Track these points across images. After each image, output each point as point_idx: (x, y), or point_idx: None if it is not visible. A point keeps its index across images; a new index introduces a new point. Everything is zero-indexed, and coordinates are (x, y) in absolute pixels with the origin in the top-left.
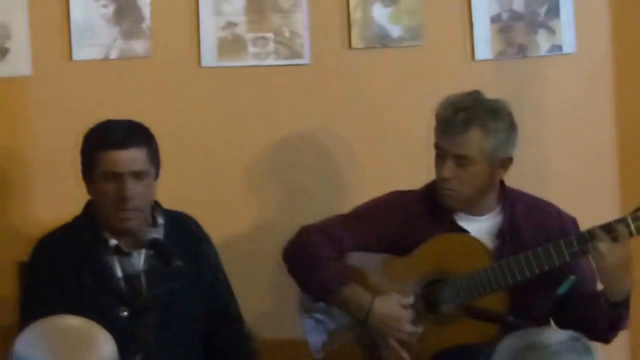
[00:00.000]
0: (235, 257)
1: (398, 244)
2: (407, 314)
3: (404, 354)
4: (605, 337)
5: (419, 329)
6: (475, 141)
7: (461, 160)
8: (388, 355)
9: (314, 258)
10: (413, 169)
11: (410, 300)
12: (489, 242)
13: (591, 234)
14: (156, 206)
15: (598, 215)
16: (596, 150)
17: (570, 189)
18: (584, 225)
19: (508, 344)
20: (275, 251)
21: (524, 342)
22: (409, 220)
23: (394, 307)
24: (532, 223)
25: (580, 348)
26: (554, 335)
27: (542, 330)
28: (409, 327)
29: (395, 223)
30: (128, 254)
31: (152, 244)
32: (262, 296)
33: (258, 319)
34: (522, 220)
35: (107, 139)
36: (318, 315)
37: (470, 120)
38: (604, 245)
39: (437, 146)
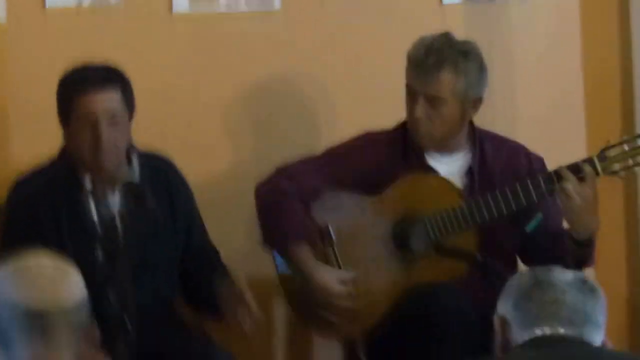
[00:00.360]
0: (211, 198)
1: (370, 183)
2: (342, 290)
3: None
4: None
5: (349, 305)
6: (446, 82)
7: (433, 101)
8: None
9: (277, 208)
10: (386, 109)
11: (350, 275)
12: (458, 180)
13: (558, 174)
14: (131, 148)
15: (566, 157)
16: (563, 92)
17: (538, 130)
18: (552, 165)
19: (517, 281)
20: (250, 192)
21: (533, 279)
22: (380, 159)
23: (331, 281)
24: (501, 162)
25: (586, 289)
26: (562, 274)
27: (549, 269)
28: (339, 301)
29: (367, 163)
30: (103, 197)
31: (127, 187)
32: (238, 236)
33: (234, 259)
34: (491, 159)
35: (82, 82)
36: None
37: (442, 62)
38: (570, 185)
39: (408, 87)
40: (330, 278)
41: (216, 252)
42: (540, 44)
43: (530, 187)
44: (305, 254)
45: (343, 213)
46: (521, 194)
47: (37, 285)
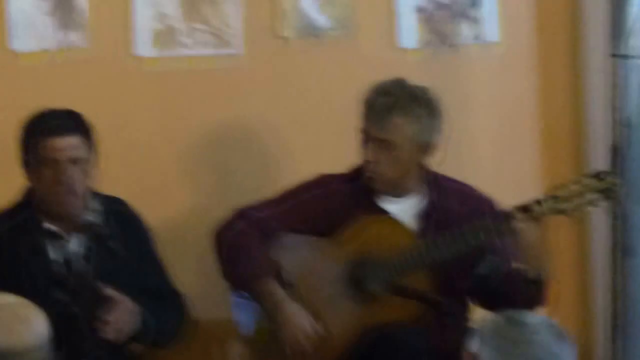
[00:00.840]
0: (167, 241)
1: (325, 226)
2: (308, 326)
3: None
4: None
5: (311, 339)
6: (398, 126)
7: (384, 145)
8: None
9: (238, 250)
10: (341, 154)
11: (318, 329)
12: (411, 223)
13: (506, 214)
14: (91, 192)
15: (521, 198)
16: (518, 140)
17: (493, 171)
18: (507, 206)
19: (489, 320)
20: (207, 234)
21: (505, 319)
22: (334, 202)
23: (298, 316)
24: (453, 204)
25: (555, 331)
26: (532, 317)
27: (519, 312)
28: (302, 337)
29: (321, 205)
30: (63, 239)
31: (88, 227)
32: (194, 279)
33: (189, 301)
34: (443, 202)
35: (45, 126)
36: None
37: (394, 106)
38: (518, 224)
39: (362, 130)
40: (300, 312)
41: (174, 293)
42: (497, 89)
43: (480, 227)
44: (274, 287)
45: (298, 254)
46: (470, 235)
47: (5, 324)
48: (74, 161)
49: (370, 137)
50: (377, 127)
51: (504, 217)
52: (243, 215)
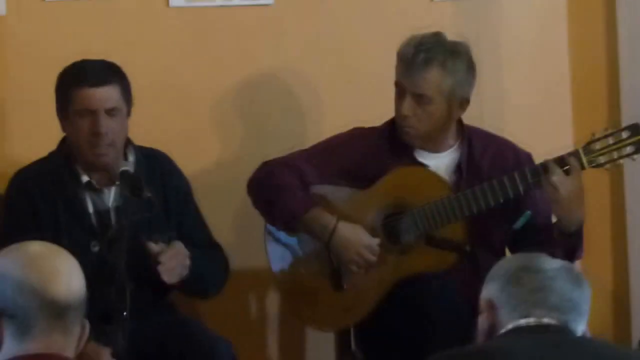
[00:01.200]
0: (201, 191)
1: (359, 178)
2: (369, 239)
3: (363, 277)
4: None
5: (376, 252)
6: (434, 81)
7: (420, 99)
8: (348, 279)
9: (278, 187)
10: (375, 106)
11: (377, 240)
12: (446, 177)
13: (544, 167)
14: (128, 143)
15: (553, 150)
16: (551, 86)
17: (526, 124)
18: (539, 159)
19: (504, 265)
20: (239, 185)
21: (521, 263)
22: (370, 154)
23: (357, 232)
24: (489, 158)
25: (573, 277)
26: (549, 261)
27: (536, 255)
28: (367, 252)
29: (356, 157)
30: (99, 190)
31: (122, 176)
32: (228, 229)
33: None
34: (479, 156)
35: (81, 77)
36: (283, 239)
37: (430, 60)
38: (556, 177)
39: (397, 84)
40: (356, 229)
41: (214, 246)
42: (528, 39)
43: (517, 179)
44: (322, 212)
45: (333, 204)
46: (508, 186)
47: (54, 275)
48: (110, 111)
49: (405, 91)
50: (413, 81)
51: (541, 170)
52: (280, 162)
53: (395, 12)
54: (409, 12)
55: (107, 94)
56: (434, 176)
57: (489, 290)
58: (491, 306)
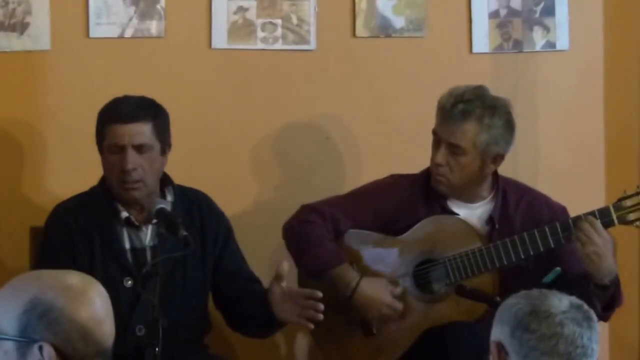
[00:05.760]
0: (238, 233)
1: (393, 225)
2: (390, 297)
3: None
4: (600, 317)
5: (399, 307)
6: (469, 133)
7: (454, 149)
8: (378, 326)
9: (309, 237)
10: (411, 154)
11: (398, 290)
12: (479, 228)
13: (575, 222)
14: (167, 181)
15: (585, 205)
16: (585, 144)
17: (559, 179)
18: (572, 214)
19: (512, 308)
20: (276, 228)
21: (529, 307)
22: (404, 202)
23: (379, 289)
24: (523, 212)
25: (582, 318)
26: (558, 302)
27: (545, 294)
28: (388, 310)
29: (391, 205)
30: (137, 227)
31: (158, 214)
32: (264, 271)
33: None
34: (512, 208)
35: (113, 113)
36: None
37: (468, 113)
38: (585, 232)
39: (434, 132)
40: (378, 285)
41: (256, 281)
42: (564, 95)
43: (548, 232)
44: (347, 268)
45: (366, 250)
46: (539, 239)
47: (91, 305)
48: (139, 148)
49: (441, 140)
50: (449, 131)
51: (571, 224)
52: (315, 209)
53: (435, 62)
54: (448, 63)
55: (135, 130)
56: (466, 226)
57: (499, 333)
58: (501, 350)
